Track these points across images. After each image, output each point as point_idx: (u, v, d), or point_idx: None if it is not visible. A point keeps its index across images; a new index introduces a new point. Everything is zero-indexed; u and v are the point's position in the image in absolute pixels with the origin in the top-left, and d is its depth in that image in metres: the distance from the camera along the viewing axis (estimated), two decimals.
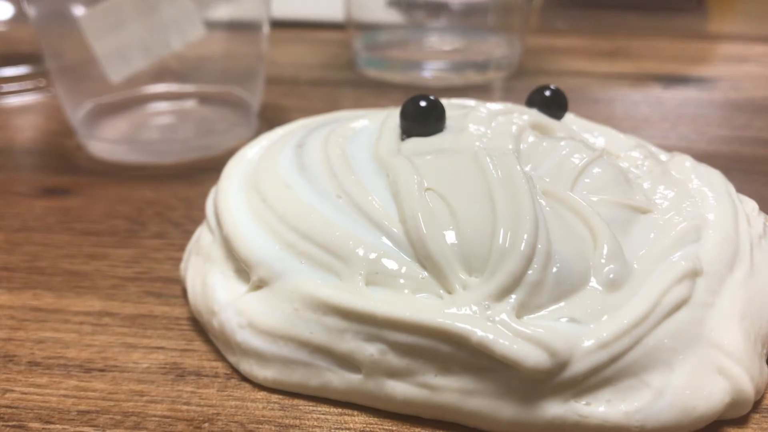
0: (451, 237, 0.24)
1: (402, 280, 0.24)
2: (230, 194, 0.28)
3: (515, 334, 0.22)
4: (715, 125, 0.47)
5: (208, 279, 0.27)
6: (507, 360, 0.21)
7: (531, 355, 0.21)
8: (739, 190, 0.30)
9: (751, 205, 0.29)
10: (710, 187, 0.28)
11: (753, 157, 0.42)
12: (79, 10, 0.40)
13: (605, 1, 0.77)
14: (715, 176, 0.30)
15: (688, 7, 0.79)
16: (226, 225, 0.27)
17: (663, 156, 0.32)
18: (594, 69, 0.58)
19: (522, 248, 0.23)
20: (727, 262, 0.25)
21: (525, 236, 0.23)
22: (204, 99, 0.46)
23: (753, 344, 0.24)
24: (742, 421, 0.23)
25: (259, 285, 0.25)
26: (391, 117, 0.31)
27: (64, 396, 0.24)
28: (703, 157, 0.34)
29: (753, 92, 0.53)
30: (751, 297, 0.25)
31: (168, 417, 0.23)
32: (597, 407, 0.22)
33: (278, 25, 0.53)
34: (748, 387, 0.23)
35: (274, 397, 0.24)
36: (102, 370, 0.25)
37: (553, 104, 0.31)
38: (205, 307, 0.26)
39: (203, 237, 0.29)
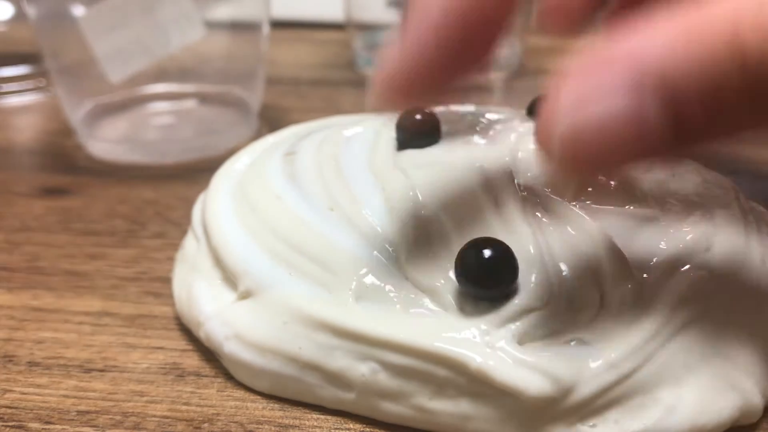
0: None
1: (394, 296, 0.23)
2: (219, 203, 0.28)
3: (516, 361, 0.21)
4: None
5: (193, 288, 0.27)
6: (508, 388, 0.21)
7: (533, 384, 0.21)
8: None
9: (761, 212, 0.29)
10: (720, 194, 0.28)
11: (753, 157, 0.42)
12: (79, 10, 0.40)
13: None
14: (725, 183, 0.29)
15: None
16: (213, 234, 0.27)
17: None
18: None
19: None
20: (738, 272, 0.25)
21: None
22: (204, 99, 0.46)
23: (766, 356, 0.23)
24: (752, 425, 0.23)
25: (246, 295, 0.25)
26: (386, 127, 0.30)
27: (64, 396, 0.24)
28: (703, 157, 0.33)
29: None
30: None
31: (168, 417, 0.23)
32: (604, 429, 0.21)
33: (278, 25, 0.53)
34: (758, 401, 0.22)
35: (274, 398, 0.24)
36: (102, 371, 0.25)
37: None
38: (191, 317, 0.26)
39: (188, 245, 0.29)
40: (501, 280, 0.22)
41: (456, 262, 0.23)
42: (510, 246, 0.23)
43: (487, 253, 0.22)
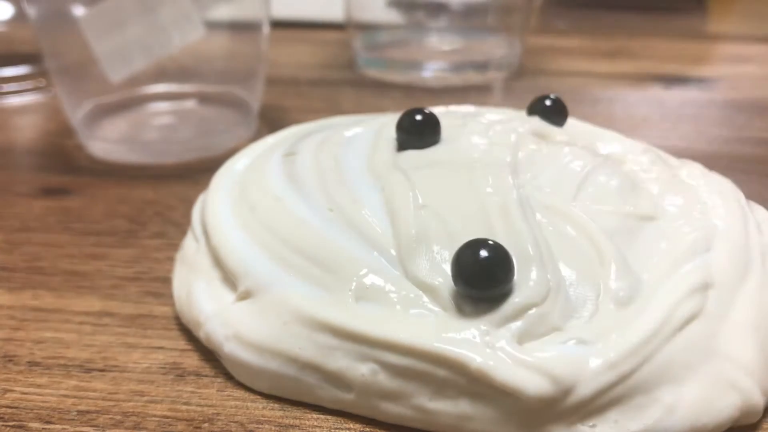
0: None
1: (393, 296, 0.23)
2: (218, 204, 0.28)
3: (516, 361, 0.21)
4: (715, 125, 0.47)
5: (192, 289, 0.27)
6: (507, 389, 0.21)
7: (532, 384, 0.21)
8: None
9: (762, 213, 0.29)
10: (720, 195, 0.28)
11: (753, 157, 0.42)
12: (79, 10, 0.40)
13: (605, 1, 0.77)
14: (725, 184, 0.29)
15: (688, 7, 0.79)
16: (213, 235, 0.27)
17: (672, 162, 0.31)
18: (594, 69, 0.58)
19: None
20: (739, 273, 0.25)
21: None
22: (204, 99, 0.46)
23: (767, 356, 0.23)
24: (753, 425, 0.23)
25: (246, 296, 0.25)
26: (386, 127, 0.30)
27: (64, 396, 0.24)
28: (703, 157, 0.34)
29: (753, 92, 0.52)
30: (765, 307, 0.24)
31: (168, 417, 0.23)
32: (604, 429, 0.21)
33: (278, 25, 0.53)
34: (758, 400, 0.22)
35: (274, 398, 0.24)
36: (102, 370, 0.25)
37: (554, 114, 0.31)
38: (191, 318, 0.26)
39: (187, 246, 0.29)
40: (496, 281, 0.22)
41: (452, 264, 0.23)
42: (509, 246, 0.23)
43: (481, 254, 0.22)
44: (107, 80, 0.40)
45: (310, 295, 0.24)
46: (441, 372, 0.22)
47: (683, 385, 0.22)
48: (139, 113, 0.45)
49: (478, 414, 0.22)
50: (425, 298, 0.23)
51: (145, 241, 0.33)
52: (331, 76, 0.57)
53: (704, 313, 0.23)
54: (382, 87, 0.54)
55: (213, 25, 0.42)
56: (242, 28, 0.45)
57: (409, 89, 0.54)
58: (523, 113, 0.32)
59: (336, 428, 0.23)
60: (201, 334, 0.25)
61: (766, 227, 0.28)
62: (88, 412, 0.24)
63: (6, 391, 0.25)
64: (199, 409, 0.24)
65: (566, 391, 0.21)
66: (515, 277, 0.23)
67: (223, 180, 0.30)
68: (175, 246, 0.32)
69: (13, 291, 0.30)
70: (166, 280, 0.30)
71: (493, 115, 0.32)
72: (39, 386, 0.25)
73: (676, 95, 0.52)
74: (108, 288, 0.30)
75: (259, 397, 0.24)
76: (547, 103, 0.31)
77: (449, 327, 0.22)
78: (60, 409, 0.24)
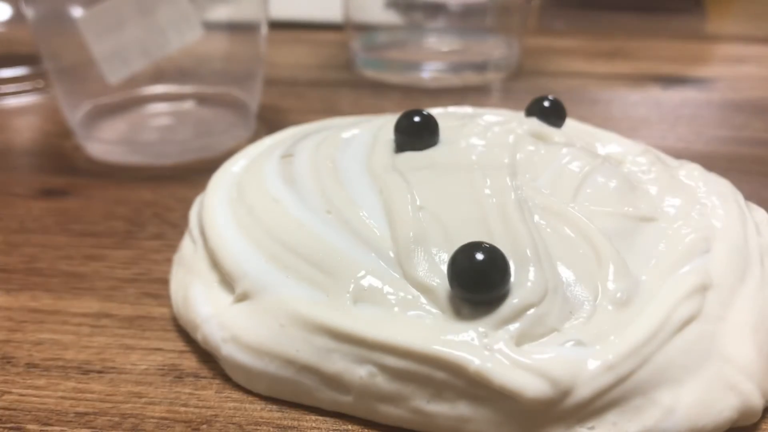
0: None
1: (392, 298, 0.23)
2: (216, 206, 0.28)
3: (514, 363, 0.21)
4: (714, 126, 0.47)
5: (189, 291, 0.27)
6: (506, 391, 0.21)
7: (531, 386, 0.21)
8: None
9: (760, 214, 0.29)
10: (719, 196, 0.28)
11: (751, 157, 0.42)
12: (77, 12, 0.40)
13: (604, 1, 0.77)
14: (724, 185, 0.29)
15: (686, 7, 0.79)
16: (210, 237, 0.27)
17: (671, 162, 0.31)
18: (592, 70, 0.58)
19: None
20: (737, 274, 0.25)
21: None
22: (202, 100, 0.46)
23: (766, 357, 0.23)
24: (752, 426, 0.23)
25: (243, 298, 0.25)
26: (384, 129, 0.30)
27: (62, 398, 0.24)
28: (702, 157, 0.34)
29: (751, 93, 0.52)
30: (764, 308, 0.24)
31: (166, 419, 0.23)
32: (602, 431, 0.21)
33: (277, 26, 0.53)
34: (757, 402, 0.22)
35: (272, 399, 0.24)
36: (100, 372, 0.25)
37: (552, 115, 0.31)
38: (188, 320, 0.26)
39: (185, 247, 0.29)
40: (492, 285, 0.22)
41: (448, 268, 0.23)
42: (507, 247, 0.23)
43: (476, 257, 0.22)
44: (106, 81, 0.40)
45: (307, 298, 0.24)
46: (439, 374, 0.22)
47: (682, 386, 0.22)
48: (138, 114, 0.45)
49: (477, 416, 0.22)
50: (423, 300, 0.23)
51: (143, 243, 0.33)
52: (329, 77, 0.57)
53: (703, 315, 0.23)
54: (380, 88, 0.54)
55: (211, 26, 0.42)
56: (241, 29, 0.45)
57: (407, 90, 0.54)
58: (521, 114, 0.32)
59: (334, 430, 0.23)
60: (198, 336, 0.25)
61: (764, 228, 0.28)
62: (86, 413, 0.24)
63: (4, 392, 0.24)
64: (197, 410, 0.24)
65: (565, 393, 0.21)
66: (512, 279, 0.23)
67: (220, 181, 0.30)
68: (173, 247, 0.32)
69: (11, 292, 0.30)
70: (164, 282, 0.30)
71: (491, 117, 0.32)
72: (37, 388, 0.25)
73: (674, 96, 0.52)
74: (106, 289, 0.30)
75: (257, 398, 0.24)
76: (546, 104, 0.31)
77: (447, 329, 0.22)
78: (58, 410, 0.24)
